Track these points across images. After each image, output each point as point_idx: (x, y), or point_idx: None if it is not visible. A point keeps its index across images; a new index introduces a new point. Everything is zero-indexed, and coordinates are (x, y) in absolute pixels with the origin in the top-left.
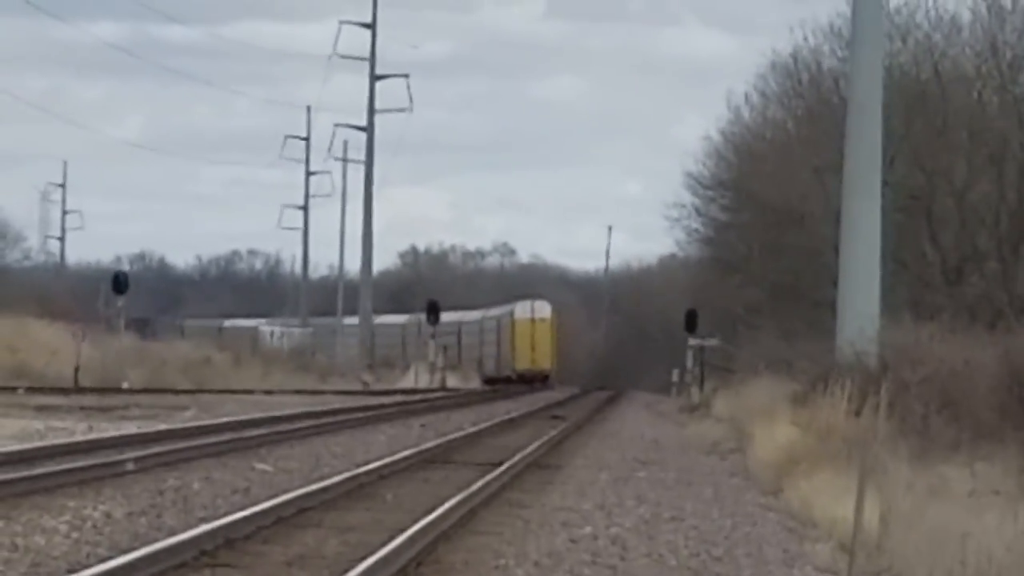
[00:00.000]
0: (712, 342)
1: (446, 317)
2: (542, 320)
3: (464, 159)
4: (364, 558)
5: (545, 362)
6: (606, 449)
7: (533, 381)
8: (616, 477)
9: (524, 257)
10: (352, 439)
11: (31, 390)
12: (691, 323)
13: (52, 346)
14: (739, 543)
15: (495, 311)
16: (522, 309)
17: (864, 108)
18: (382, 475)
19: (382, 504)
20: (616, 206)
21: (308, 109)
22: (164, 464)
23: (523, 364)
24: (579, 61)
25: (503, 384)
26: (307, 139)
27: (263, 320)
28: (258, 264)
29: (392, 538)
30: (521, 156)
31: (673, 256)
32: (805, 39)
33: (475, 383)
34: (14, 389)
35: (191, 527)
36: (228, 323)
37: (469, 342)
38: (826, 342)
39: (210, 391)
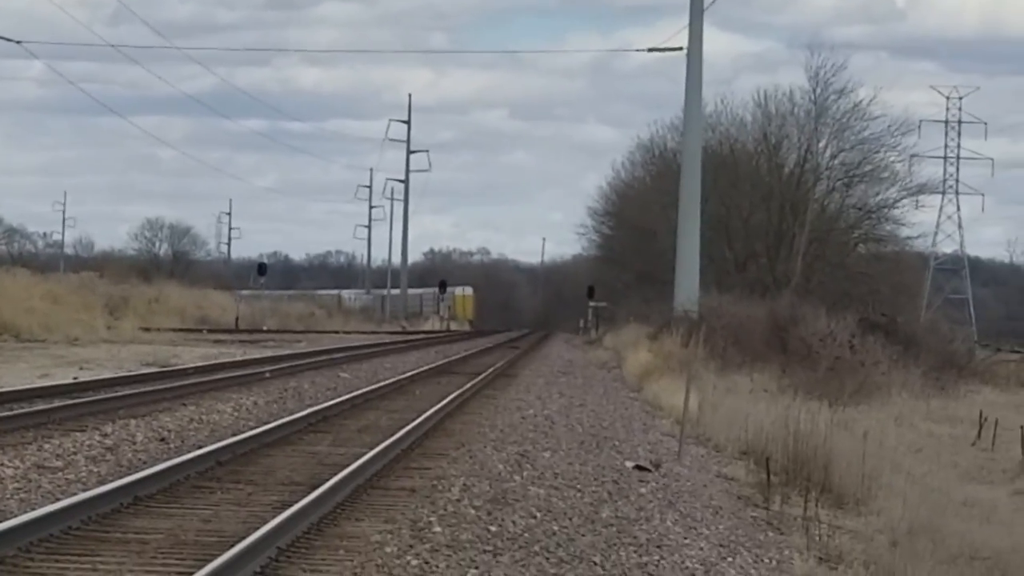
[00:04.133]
0: (602, 304)
1: (449, 291)
2: (467, 295)
3: (462, 199)
4: (403, 427)
5: (469, 315)
6: (541, 365)
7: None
8: (548, 381)
9: (495, 255)
10: (395, 359)
11: (210, 331)
12: (591, 293)
13: (223, 305)
14: (618, 419)
15: (455, 289)
16: (459, 289)
17: (690, 170)
18: (412, 379)
19: (413, 397)
20: (549, 226)
21: (371, 170)
22: (287, 374)
23: (459, 316)
24: (529, 143)
25: (483, 327)
26: (370, 187)
27: (345, 290)
28: (342, 259)
29: (419, 415)
30: (495, 197)
31: (581, 255)
32: (657, 131)
33: (467, 327)
34: (200, 330)
35: (303, 409)
36: (324, 292)
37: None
38: (668, 304)
39: (314, 332)
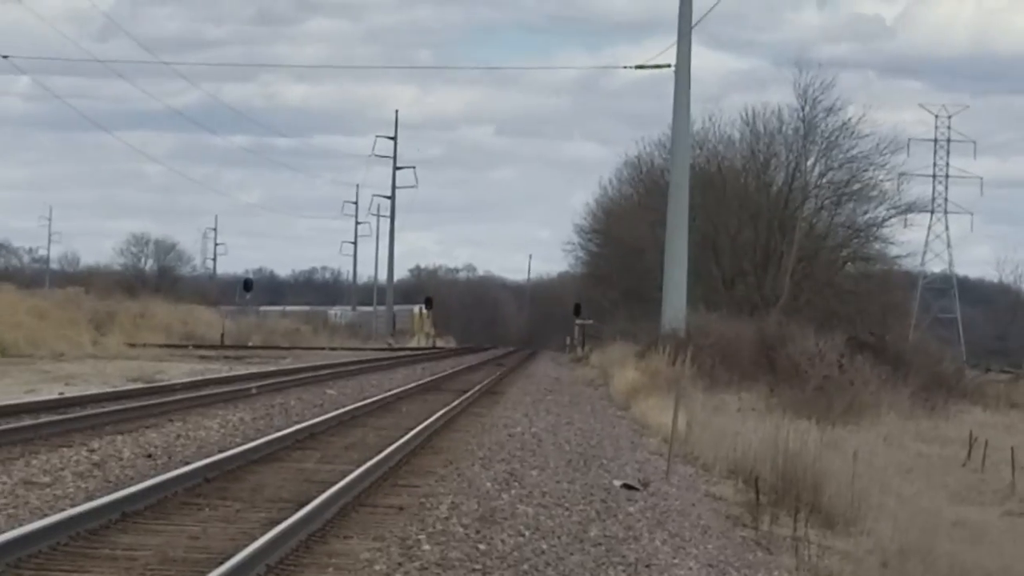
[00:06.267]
0: (589, 321)
1: (407, 308)
2: (425, 313)
3: (448, 216)
4: (390, 444)
5: (428, 331)
6: (528, 383)
7: None
8: (535, 399)
9: (481, 272)
10: (382, 376)
11: (196, 346)
12: (577, 311)
13: (208, 321)
14: (606, 437)
15: (411, 307)
16: (416, 307)
17: (678, 187)
18: (399, 397)
19: (399, 414)
20: (535, 244)
21: (357, 186)
22: (273, 390)
23: (417, 332)
24: (515, 160)
25: (471, 345)
26: (356, 203)
27: (331, 307)
28: (328, 275)
29: (407, 433)
30: (481, 215)
31: (567, 272)
32: (645, 148)
33: (453, 344)
34: (186, 346)
35: (290, 426)
36: (309, 308)
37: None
38: (655, 322)
39: (300, 348)
